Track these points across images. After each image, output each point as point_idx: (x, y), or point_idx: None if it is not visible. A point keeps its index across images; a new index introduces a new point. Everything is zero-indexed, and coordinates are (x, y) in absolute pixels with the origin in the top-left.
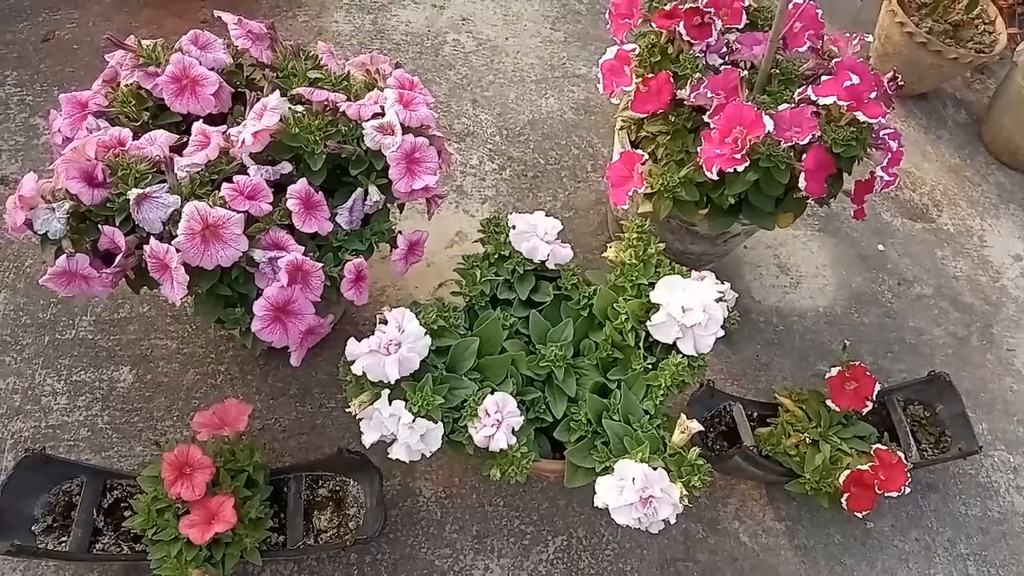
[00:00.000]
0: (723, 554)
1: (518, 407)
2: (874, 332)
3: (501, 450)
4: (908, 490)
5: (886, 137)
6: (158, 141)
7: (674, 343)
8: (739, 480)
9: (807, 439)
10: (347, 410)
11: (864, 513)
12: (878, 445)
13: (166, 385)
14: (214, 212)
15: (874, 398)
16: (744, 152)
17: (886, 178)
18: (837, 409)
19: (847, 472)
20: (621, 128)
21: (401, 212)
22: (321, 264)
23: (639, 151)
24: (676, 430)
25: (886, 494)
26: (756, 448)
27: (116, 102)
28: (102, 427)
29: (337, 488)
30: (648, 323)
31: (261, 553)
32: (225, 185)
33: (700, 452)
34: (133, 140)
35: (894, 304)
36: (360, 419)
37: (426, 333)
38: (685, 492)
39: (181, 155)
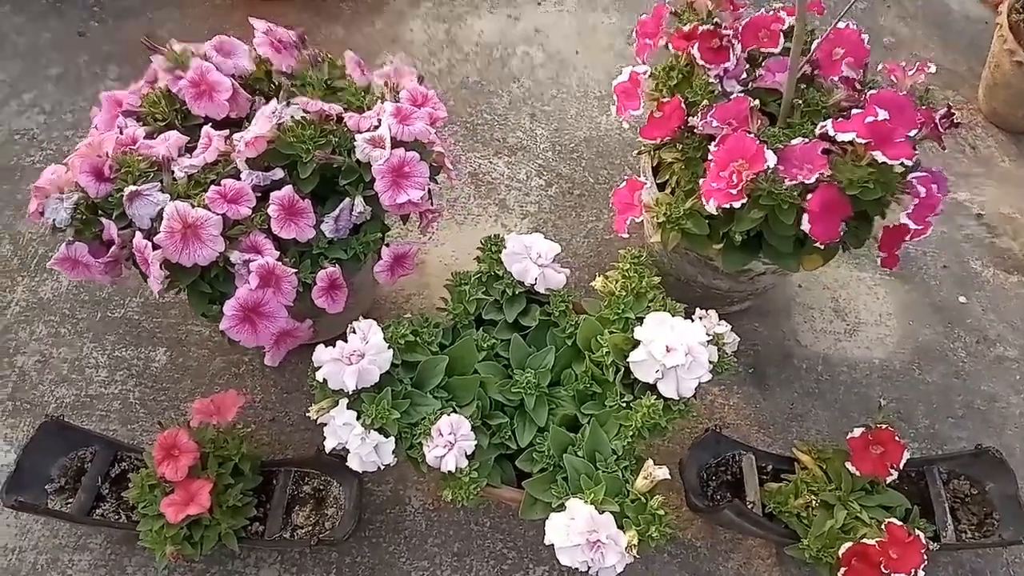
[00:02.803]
0: None
1: (483, 430)
2: (936, 393)
3: (450, 472)
4: (923, 575)
5: (914, 181)
6: (169, 141)
7: (655, 384)
8: (748, 535)
9: (815, 501)
10: (306, 414)
11: None
12: (892, 519)
13: (194, 369)
14: (193, 213)
15: (903, 467)
16: (740, 187)
17: (913, 226)
18: (858, 473)
19: (848, 544)
20: (640, 153)
21: (405, 223)
22: (295, 270)
23: (641, 179)
24: (640, 475)
25: (893, 575)
26: (757, 504)
27: (145, 103)
28: (132, 402)
29: (320, 487)
30: (628, 359)
31: (240, 540)
32: (212, 188)
33: (663, 501)
34: (150, 140)
35: (967, 364)
36: (322, 424)
37: (390, 347)
38: (635, 542)
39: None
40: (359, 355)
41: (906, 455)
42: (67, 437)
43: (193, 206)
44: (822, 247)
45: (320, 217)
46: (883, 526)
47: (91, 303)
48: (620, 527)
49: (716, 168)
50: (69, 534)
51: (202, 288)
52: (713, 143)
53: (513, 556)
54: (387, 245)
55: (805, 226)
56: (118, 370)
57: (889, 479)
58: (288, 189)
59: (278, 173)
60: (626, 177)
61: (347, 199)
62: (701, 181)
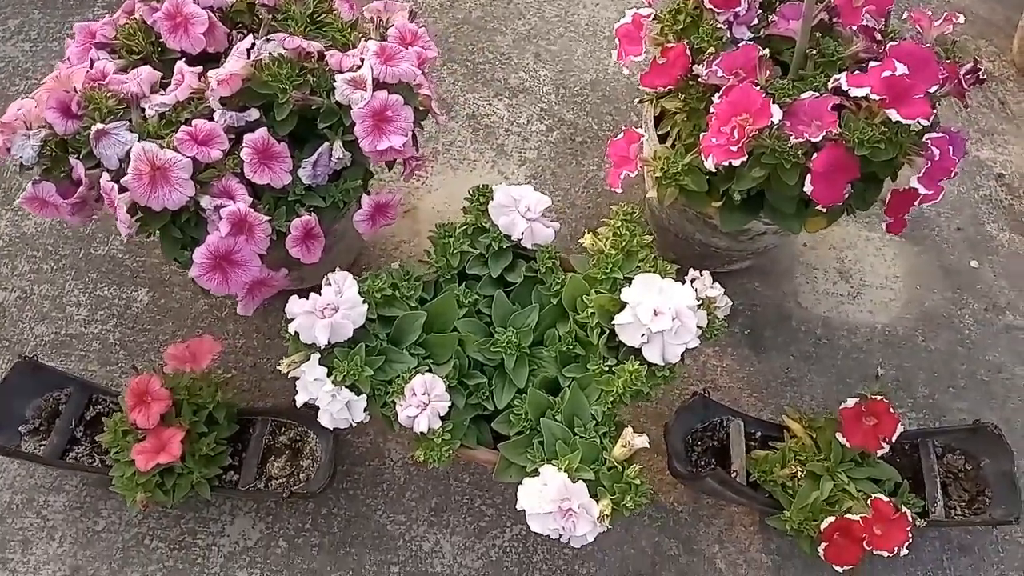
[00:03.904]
0: None
1: (459, 390)
2: (939, 361)
3: (422, 433)
4: (905, 551)
5: (928, 142)
6: (140, 77)
7: (640, 348)
8: (731, 502)
9: (801, 472)
10: (277, 367)
11: (845, 569)
12: (879, 494)
13: (176, 311)
14: (161, 154)
15: (895, 440)
16: (742, 144)
17: (924, 191)
18: (848, 445)
19: (831, 518)
20: (641, 101)
21: (390, 170)
22: (268, 217)
23: (639, 130)
24: (619, 442)
25: (875, 551)
26: (741, 473)
27: (120, 35)
28: (112, 343)
29: (297, 438)
30: (614, 322)
31: (214, 489)
32: (182, 128)
33: (640, 470)
34: (123, 74)
35: (973, 332)
36: (294, 378)
37: (366, 301)
38: (608, 512)
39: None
40: (332, 309)
41: (899, 428)
42: (41, 378)
43: (162, 147)
44: (824, 209)
45: (297, 162)
46: (869, 501)
47: (74, 239)
48: (594, 495)
49: (717, 122)
50: (45, 475)
51: (174, 233)
52: (717, 94)
53: (491, 514)
54: (368, 193)
55: (807, 187)
56: (99, 309)
57: (880, 452)
58: (263, 131)
59: (253, 114)
60: (625, 126)
61: (325, 143)
62: (702, 135)
